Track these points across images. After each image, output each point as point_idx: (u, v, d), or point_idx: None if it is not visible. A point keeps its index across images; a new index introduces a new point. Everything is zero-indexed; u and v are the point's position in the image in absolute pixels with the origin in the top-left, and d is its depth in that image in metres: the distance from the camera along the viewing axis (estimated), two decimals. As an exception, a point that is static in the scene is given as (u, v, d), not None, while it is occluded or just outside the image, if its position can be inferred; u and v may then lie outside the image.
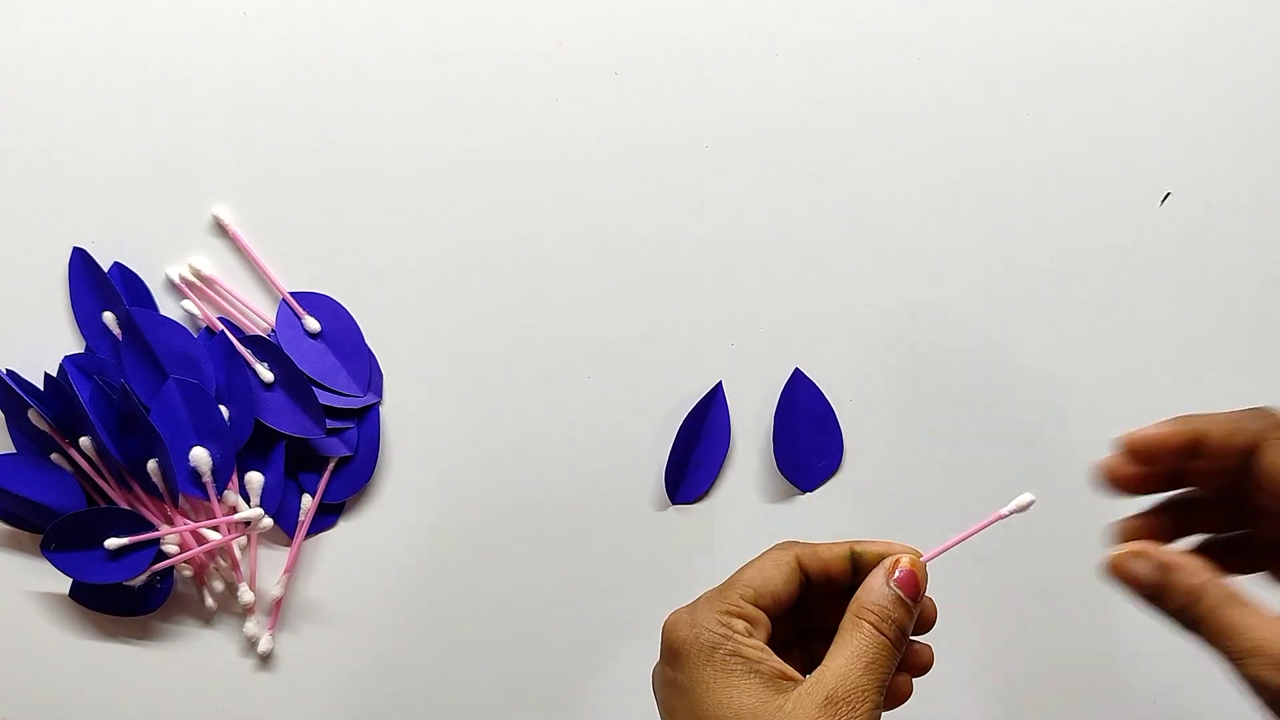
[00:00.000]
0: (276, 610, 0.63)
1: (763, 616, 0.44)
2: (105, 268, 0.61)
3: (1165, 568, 0.41)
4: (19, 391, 0.59)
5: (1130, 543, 0.42)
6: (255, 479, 0.61)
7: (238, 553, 0.61)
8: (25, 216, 0.62)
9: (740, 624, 0.43)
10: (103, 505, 0.61)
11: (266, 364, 0.62)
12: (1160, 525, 0.44)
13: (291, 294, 0.62)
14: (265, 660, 0.63)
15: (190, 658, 0.63)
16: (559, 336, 0.63)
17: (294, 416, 0.61)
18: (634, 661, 0.63)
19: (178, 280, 0.62)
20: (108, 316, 0.61)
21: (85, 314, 0.62)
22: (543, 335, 0.63)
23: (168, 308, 0.62)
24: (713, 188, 0.62)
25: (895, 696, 0.46)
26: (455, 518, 0.63)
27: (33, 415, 0.60)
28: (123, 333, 0.61)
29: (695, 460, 0.63)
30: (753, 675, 0.42)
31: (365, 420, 0.63)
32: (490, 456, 0.63)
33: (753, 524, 0.63)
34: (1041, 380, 0.63)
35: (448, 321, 0.63)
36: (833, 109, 0.62)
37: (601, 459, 0.63)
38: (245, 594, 0.62)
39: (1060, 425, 0.63)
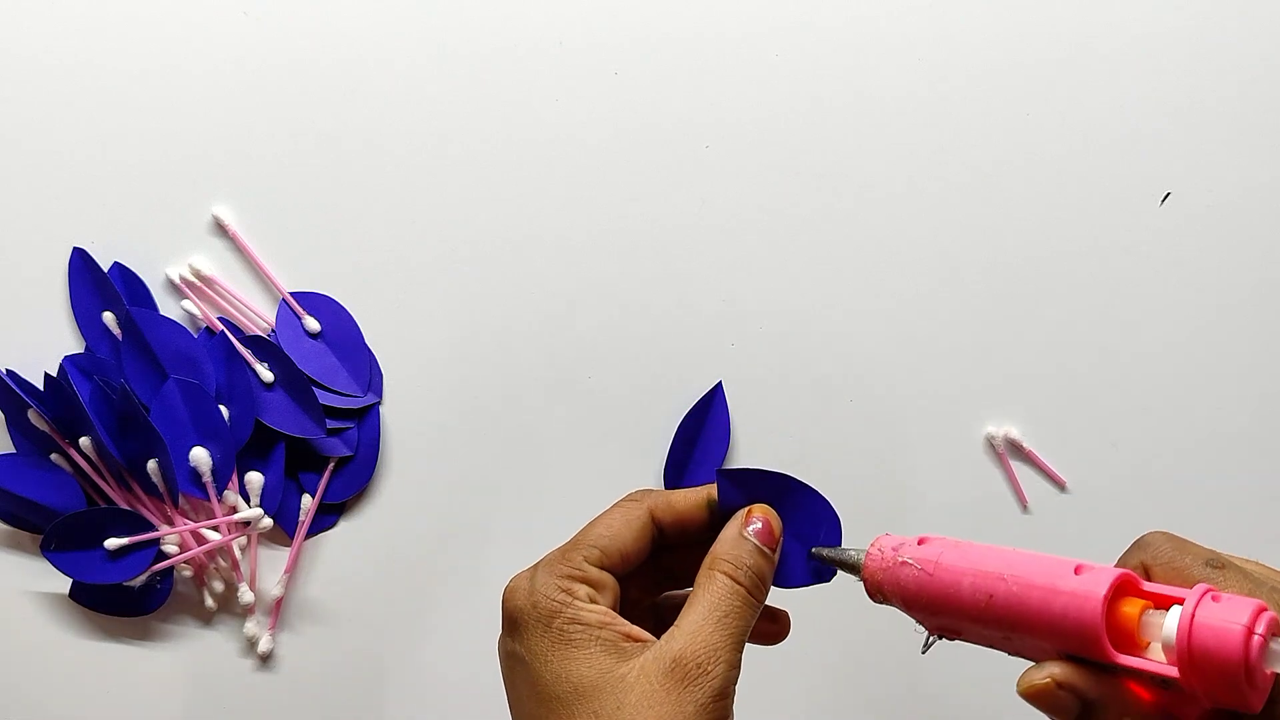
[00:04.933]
0: (276, 610, 0.63)
1: (608, 579, 0.41)
2: (105, 268, 0.61)
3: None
4: (19, 391, 0.59)
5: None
6: (255, 479, 0.61)
7: (238, 553, 0.61)
8: (25, 216, 0.62)
9: (582, 589, 0.40)
10: (103, 505, 0.61)
11: (266, 364, 0.62)
12: None
13: (291, 294, 0.62)
14: (265, 660, 0.63)
15: (190, 658, 0.63)
16: (559, 336, 0.63)
17: (294, 416, 0.61)
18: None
19: (178, 280, 0.62)
20: (108, 316, 0.61)
21: (85, 314, 0.62)
22: (543, 335, 0.63)
23: (168, 308, 0.62)
24: (713, 188, 0.62)
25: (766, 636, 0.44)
26: (455, 518, 0.63)
27: (33, 415, 0.60)
28: (123, 333, 0.61)
29: (695, 460, 0.63)
30: (594, 644, 0.39)
31: (365, 420, 0.63)
32: (490, 456, 0.63)
33: (753, 524, 0.63)
34: (1041, 379, 0.63)
35: (448, 321, 0.63)
36: (833, 109, 0.62)
37: (601, 459, 0.63)
38: (245, 594, 0.62)
39: (1060, 423, 0.63)
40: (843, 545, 0.42)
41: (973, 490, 0.63)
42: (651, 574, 0.44)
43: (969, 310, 0.62)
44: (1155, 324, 0.63)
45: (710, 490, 0.43)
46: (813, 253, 0.62)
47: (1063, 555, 0.63)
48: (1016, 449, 0.63)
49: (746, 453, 0.63)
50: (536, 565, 0.42)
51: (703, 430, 0.62)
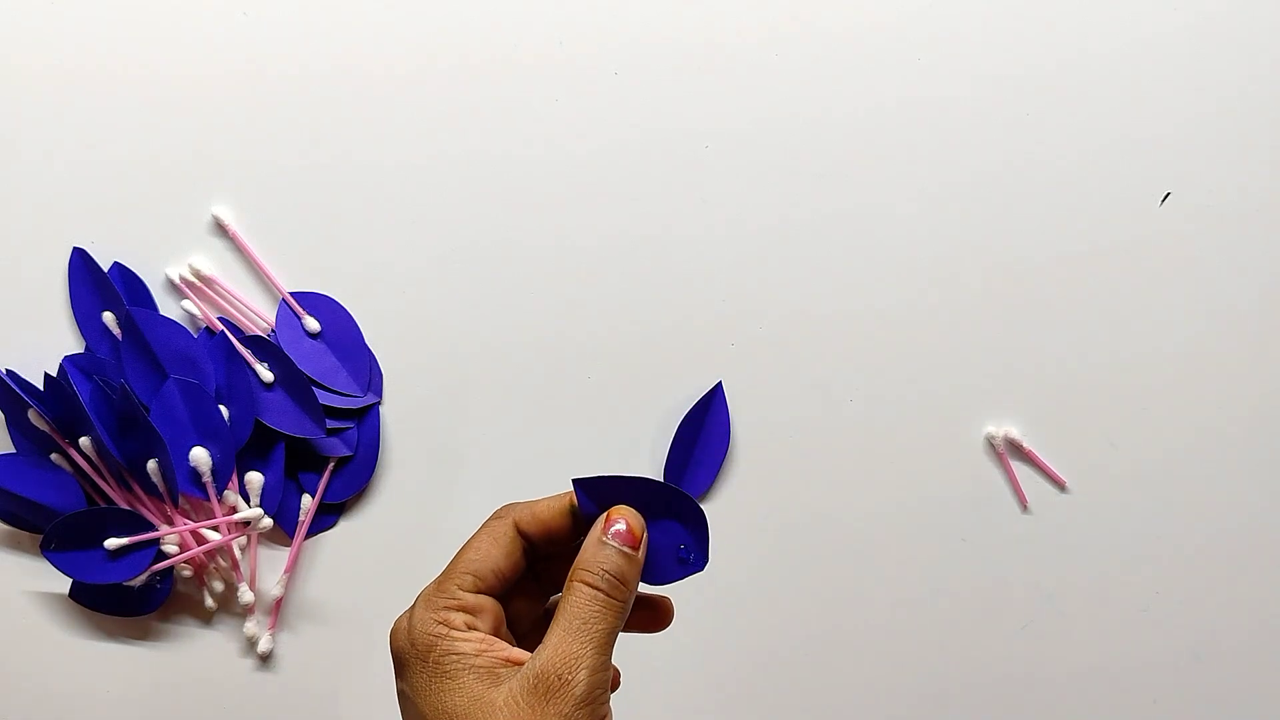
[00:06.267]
0: (276, 610, 0.63)
1: (486, 602, 0.42)
2: (105, 268, 0.61)
3: None
4: (19, 391, 0.59)
5: None
6: (255, 479, 0.61)
7: (238, 553, 0.61)
8: (25, 216, 0.62)
9: (459, 618, 0.41)
10: (103, 505, 0.61)
11: (266, 364, 0.62)
12: None
13: (291, 294, 0.62)
14: (265, 660, 0.63)
15: (190, 658, 0.63)
16: (559, 336, 0.63)
17: (294, 416, 0.61)
18: (631, 658, 0.63)
19: (178, 280, 0.62)
20: (108, 316, 0.61)
21: (85, 314, 0.62)
22: (542, 335, 0.63)
23: (168, 308, 0.62)
24: (713, 188, 0.62)
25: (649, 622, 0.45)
26: (455, 518, 0.63)
27: (33, 415, 0.60)
28: (123, 333, 0.61)
29: (695, 460, 0.63)
30: (468, 673, 0.39)
31: (365, 420, 0.63)
32: (490, 457, 0.63)
33: (753, 523, 0.63)
34: (1041, 379, 0.63)
35: (448, 321, 0.63)
36: (833, 109, 0.62)
37: (601, 459, 0.63)
38: (245, 594, 0.62)
39: (1060, 423, 0.63)
40: (709, 542, 0.43)
41: (973, 490, 0.63)
42: (535, 584, 0.45)
43: (969, 310, 0.62)
44: (1155, 324, 0.63)
45: (573, 495, 0.43)
46: (812, 253, 0.62)
47: (1062, 555, 0.63)
48: (1016, 449, 0.63)
49: (746, 453, 0.63)
50: (415, 602, 0.42)
51: (703, 430, 0.62)
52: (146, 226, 0.62)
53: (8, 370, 0.61)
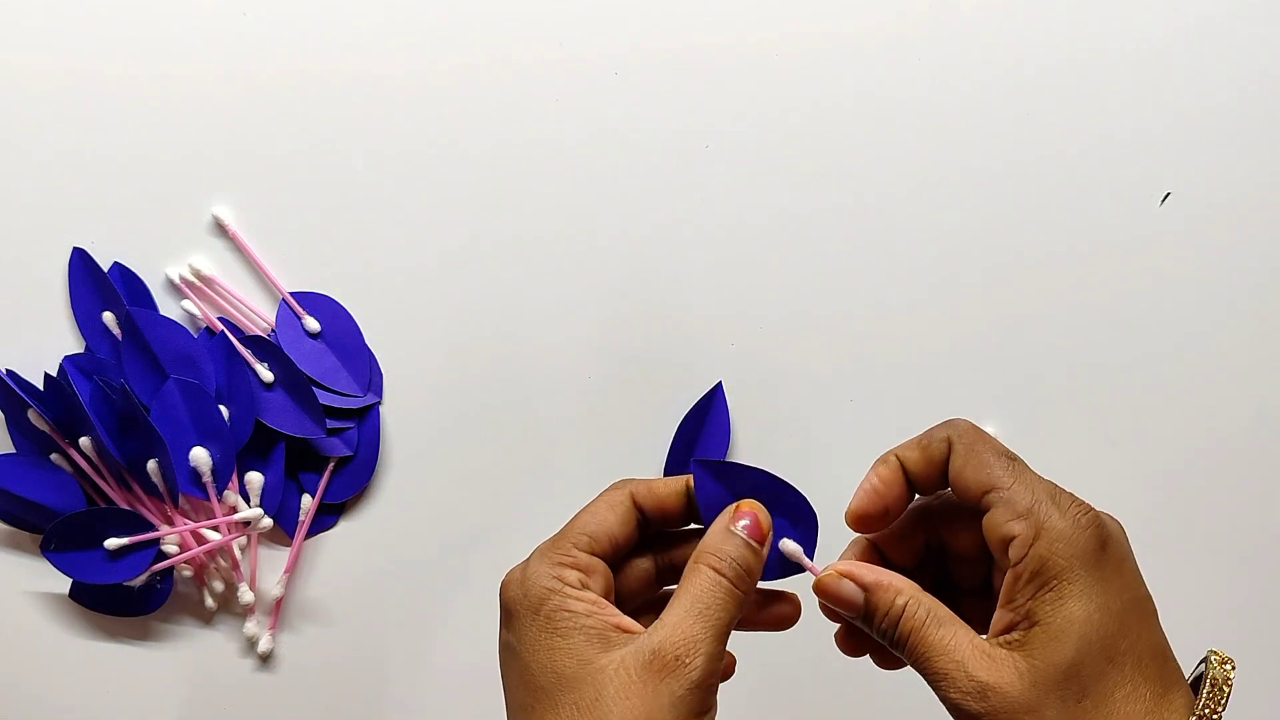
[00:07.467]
0: (276, 610, 0.63)
1: (599, 564, 0.42)
2: (105, 268, 0.61)
3: (869, 587, 0.40)
4: (19, 391, 0.59)
5: (838, 563, 0.42)
6: (255, 479, 0.61)
7: (238, 553, 0.61)
8: (25, 216, 0.62)
9: (573, 574, 0.41)
10: (103, 505, 0.61)
11: (266, 364, 0.62)
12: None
13: (291, 294, 0.62)
14: (265, 660, 0.63)
15: (190, 658, 0.63)
16: (559, 336, 0.63)
17: (294, 416, 0.61)
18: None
19: (178, 280, 0.62)
20: (108, 316, 0.61)
21: (85, 314, 0.62)
22: (542, 335, 0.63)
23: (168, 308, 0.62)
24: (713, 188, 0.62)
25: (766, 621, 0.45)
26: (455, 518, 0.63)
27: (33, 415, 0.60)
28: (123, 333, 0.61)
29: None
30: (579, 633, 0.39)
31: (365, 420, 0.63)
32: (490, 456, 0.63)
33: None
34: (1041, 379, 0.63)
35: (448, 321, 0.63)
36: (833, 109, 0.62)
37: (601, 459, 0.63)
38: (245, 594, 0.62)
39: (1057, 423, 0.63)
40: (817, 543, 0.43)
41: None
42: (644, 561, 0.45)
43: (969, 310, 0.62)
44: (1155, 324, 0.63)
45: (689, 478, 0.43)
46: (813, 253, 0.62)
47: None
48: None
49: (746, 453, 0.63)
50: (530, 555, 0.42)
51: (703, 430, 0.62)
52: (146, 226, 0.62)
53: (8, 370, 0.61)
